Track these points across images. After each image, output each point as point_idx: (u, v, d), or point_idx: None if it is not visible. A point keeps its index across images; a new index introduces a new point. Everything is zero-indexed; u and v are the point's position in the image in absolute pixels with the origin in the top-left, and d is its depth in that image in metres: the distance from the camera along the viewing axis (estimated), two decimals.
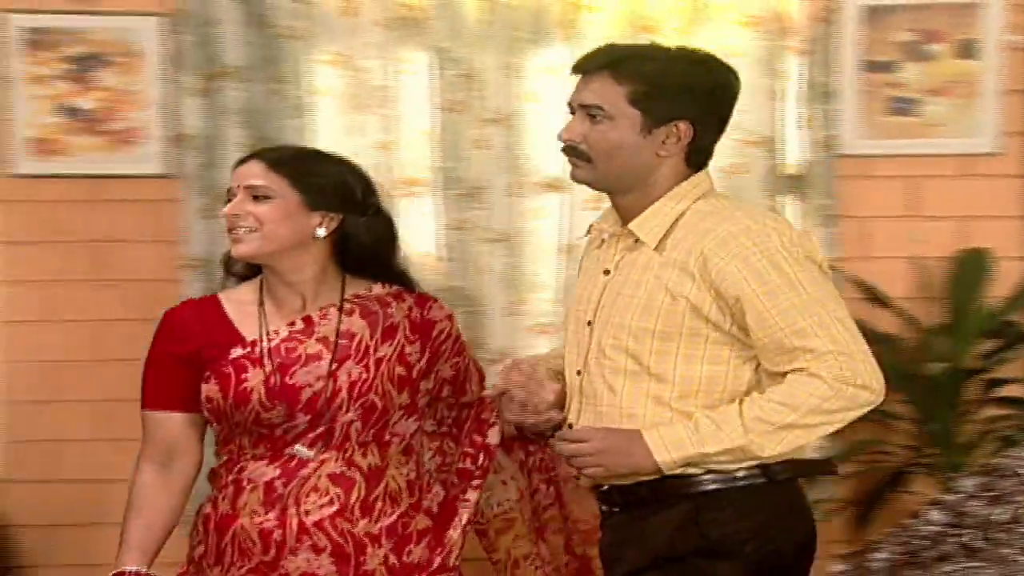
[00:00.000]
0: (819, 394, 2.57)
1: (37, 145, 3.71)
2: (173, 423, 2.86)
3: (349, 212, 2.83)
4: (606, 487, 2.75)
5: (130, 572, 2.82)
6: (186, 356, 2.84)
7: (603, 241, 2.81)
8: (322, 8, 3.71)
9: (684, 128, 2.66)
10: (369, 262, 2.88)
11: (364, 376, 2.82)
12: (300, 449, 2.85)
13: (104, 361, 3.75)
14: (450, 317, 2.93)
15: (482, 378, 3.02)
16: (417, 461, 2.91)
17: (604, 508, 2.80)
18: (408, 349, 2.86)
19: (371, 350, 2.85)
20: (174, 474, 2.89)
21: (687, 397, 2.64)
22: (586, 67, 2.71)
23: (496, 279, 3.73)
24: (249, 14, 3.65)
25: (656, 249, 2.68)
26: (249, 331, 2.85)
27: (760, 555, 2.65)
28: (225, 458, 2.86)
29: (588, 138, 2.69)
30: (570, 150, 2.73)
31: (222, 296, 2.90)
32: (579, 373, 2.76)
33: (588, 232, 2.87)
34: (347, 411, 2.81)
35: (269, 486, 2.82)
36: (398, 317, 2.87)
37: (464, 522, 2.89)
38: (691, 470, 2.64)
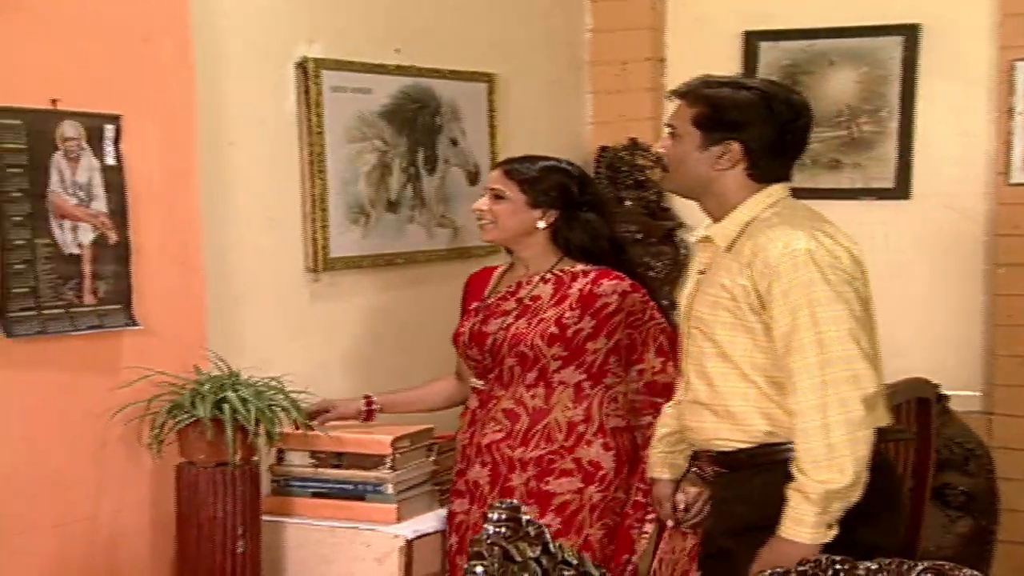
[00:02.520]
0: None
1: None
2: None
3: (565, 208, 3.33)
4: (714, 452, 2.92)
5: (367, 398, 3.49)
6: (463, 307, 3.51)
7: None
8: None
9: (736, 148, 2.85)
10: (578, 246, 3.34)
11: (524, 331, 3.29)
12: (474, 380, 3.42)
13: None
14: (623, 294, 3.26)
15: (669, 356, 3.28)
16: (588, 409, 3.29)
17: (712, 469, 2.97)
18: (568, 315, 3.26)
19: (542, 311, 3.30)
20: (455, 388, 3.56)
21: (754, 370, 2.80)
22: (675, 94, 2.97)
23: None
24: None
25: (727, 251, 2.86)
26: (488, 291, 3.45)
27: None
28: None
29: (668, 151, 2.94)
30: (658, 160, 3.01)
31: (501, 266, 3.52)
32: (686, 356, 2.98)
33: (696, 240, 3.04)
34: (508, 356, 3.30)
35: (473, 412, 3.41)
36: (574, 289, 3.29)
37: (645, 548, 3.25)
38: (779, 438, 2.79)
